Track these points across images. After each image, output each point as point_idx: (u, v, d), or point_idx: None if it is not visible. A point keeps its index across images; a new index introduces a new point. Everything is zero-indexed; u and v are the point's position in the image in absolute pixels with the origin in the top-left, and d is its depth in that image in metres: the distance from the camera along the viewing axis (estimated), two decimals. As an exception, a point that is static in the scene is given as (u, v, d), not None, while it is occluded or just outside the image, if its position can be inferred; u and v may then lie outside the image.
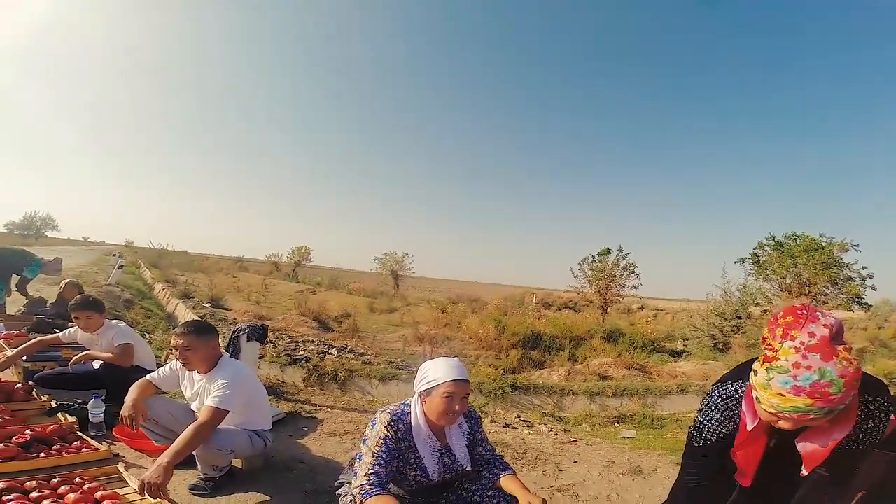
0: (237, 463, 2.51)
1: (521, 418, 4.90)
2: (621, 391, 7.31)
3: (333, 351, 7.41)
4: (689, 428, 1.59)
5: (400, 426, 1.79)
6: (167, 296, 12.71)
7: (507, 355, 10.36)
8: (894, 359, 11.22)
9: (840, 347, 1.15)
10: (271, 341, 7.17)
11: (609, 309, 17.60)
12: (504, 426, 4.22)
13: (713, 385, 1.59)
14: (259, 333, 3.77)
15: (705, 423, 1.51)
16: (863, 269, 14.84)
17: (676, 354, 11.61)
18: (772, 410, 1.21)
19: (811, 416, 1.16)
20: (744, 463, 1.46)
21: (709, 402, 1.52)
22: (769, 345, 1.24)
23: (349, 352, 7.61)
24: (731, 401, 1.46)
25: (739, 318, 11.55)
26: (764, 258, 15.56)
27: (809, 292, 13.87)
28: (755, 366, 1.30)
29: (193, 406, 2.52)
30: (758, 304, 12.15)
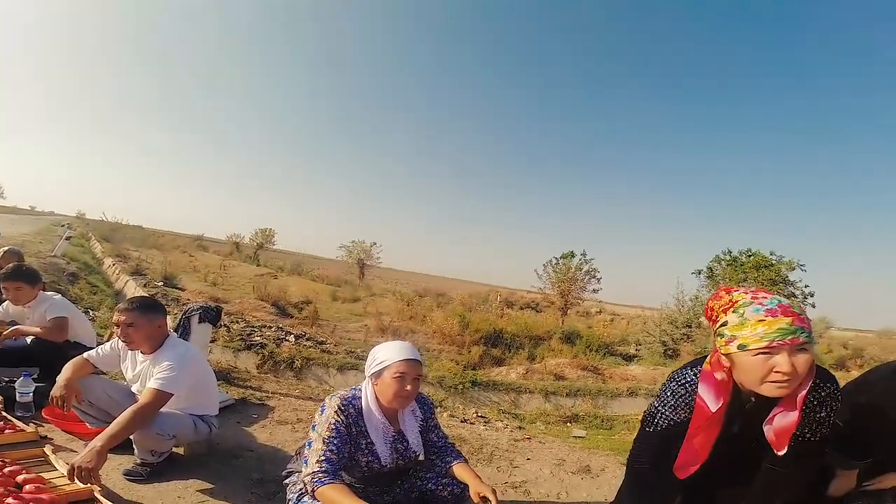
0: (178, 449, 2.37)
1: (479, 414, 4.94)
2: (575, 391, 7.51)
3: (291, 338, 7.23)
4: (644, 412, 1.59)
5: (350, 410, 1.75)
6: (117, 271, 12.06)
7: (470, 351, 10.43)
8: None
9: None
10: (225, 325, 6.92)
11: (569, 311, 18.05)
12: (462, 421, 4.24)
13: (672, 372, 1.59)
14: (212, 315, 3.60)
15: (659, 408, 1.51)
16: (805, 286, 15.91)
17: (629, 358, 12.05)
18: (764, 343, 1.20)
19: (801, 339, 1.19)
20: (698, 449, 1.45)
21: (666, 389, 1.53)
22: (720, 307, 1.34)
23: (307, 339, 7.45)
24: (688, 387, 1.47)
25: (690, 326, 12.08)
26: (718, 272, 16.38)
27: (755, 306, 14.68)
28: (717, 327, 1.35)
29: (134, 388, 2.38)
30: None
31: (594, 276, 17.62)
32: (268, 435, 2.96)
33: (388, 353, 1.75)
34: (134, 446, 2.13)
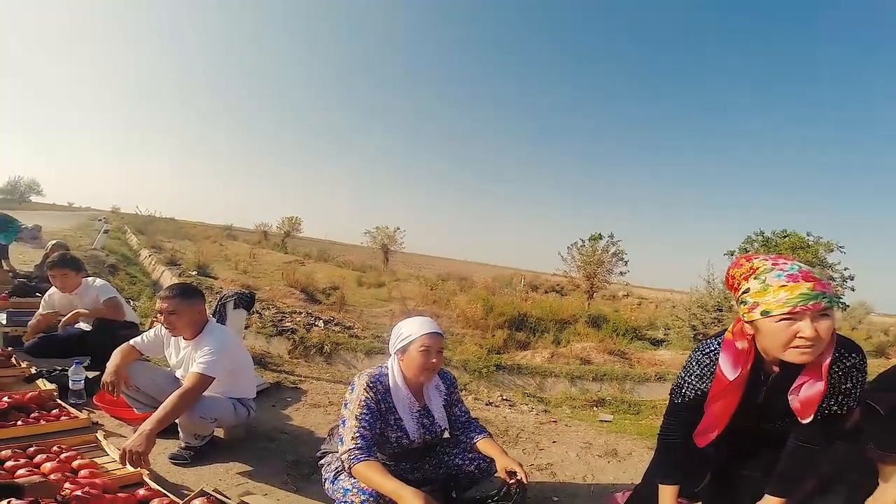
0: (219, 432, 2.49)
1: (504, 397, 4.99)
2: (601, 376, 7.48)
3: (320, 323, 7.42)
4: (672, 385, 1.60)
5: (379, 387, 1.81)
6: (153, 262, 12.56)
7: (493, 335, 10.46)
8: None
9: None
10: (257, 311, 7.13)
11: (595, 294, 17.81)
12: (487, 404, 4.29)
13: (698, 343, 1.60)
14: (247, 301, 3.72)
15: (686, 378, 1.52)
16: (845, 269, 15.21)
17: (657, 343, 11.86)
18: (787, 308, 1.20)
19: (823, 304, 1.18)
20: (718, 416, 1.45)
21: (691, 359, 1.54)
22: (741, 274, 1.32)
23: (336, 324, 7.63)
24: (713, 356, 1.46)
25: (721, 310, 11.76)
26: (751, 252, 15.81)
27: (791, 288, 14.14)
28: (740, 294, 1.34)
29: (178, 373, 2.49)
30: (738, 298, 12.34)
31: (621, 259, 17.27)
32: (301, 418, 3.08)
33: (412, 328, 1.81)
34: (179, 430, 2.25)
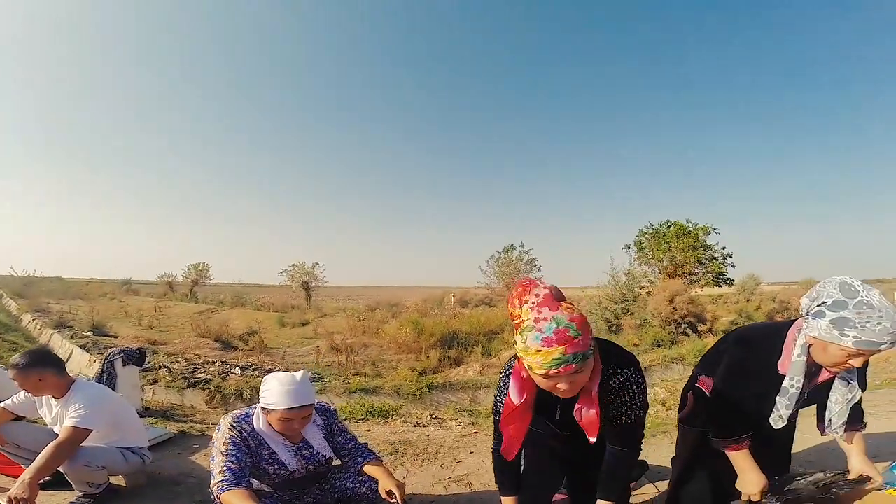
0: (120, 481, 2.50)
1: (434, 416, 5.08)
2: (528, 379, 7.84)
3: (237, 370, 7.08)
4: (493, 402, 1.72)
5: (244, 426, 1.85)
6: (38, 326, 11.12)
7: (427, 356, 10.54)
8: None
9: (561, 302, 1.32)
10: (165, 366, 6.75)
11: (520, 301, 18.61)
12: (415, 425, 4.35)
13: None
14: (136, 357, 3.69)
15: (497, 397, 1.64)
16: (723, 249, 17.45)
17: (578, 339, 12.65)
18: (542, 371, 1.29)
19: (574, 366, 1.27)
20: (513, 436, 1.57)
21: (500, 379, 1.66)
22: (516, 315, 1.34)
23: (255, 369, 7.31)
24: (506, 378, 1.59)
25: (627, 301, 12.86)
26: (645, 244, 17.60)
27: (682, 272, 15.99)
28: (514, 337, 1.39)
29: (56, 429, 2.43)
30: (642, 287, 13.61)
31: (535, 265, 18.38)
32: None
33: (274, 397, 1.80)
34: (70, 482, 2.24)
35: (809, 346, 1.53)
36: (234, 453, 1.76)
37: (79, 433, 2.19)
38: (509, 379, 1.54)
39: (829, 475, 1.74)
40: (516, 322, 1.34)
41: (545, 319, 1.26)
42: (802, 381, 1.56)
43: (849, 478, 1.72)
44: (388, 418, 4.58)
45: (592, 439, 1.44)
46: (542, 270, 18.56)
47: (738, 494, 1.69)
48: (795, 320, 1.63)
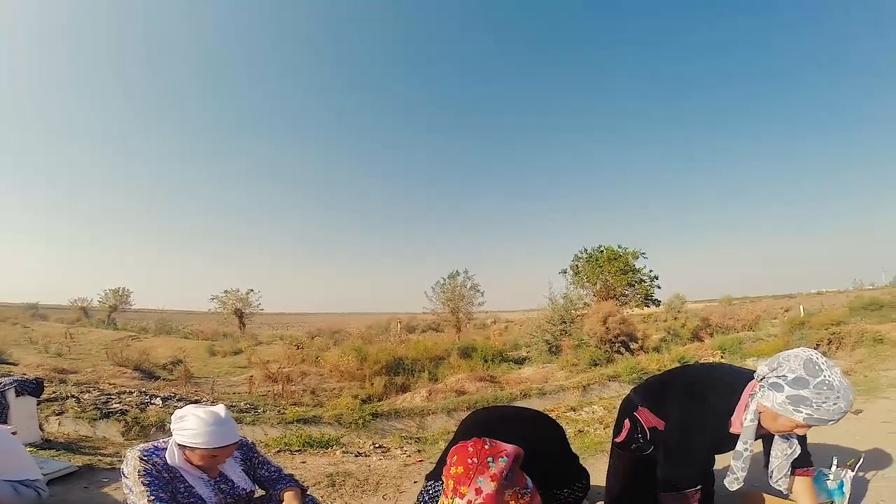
0: None
1: (377, 445, 4.94)
2: (474, 404, 7.86)
3: (157, 401, 6.53)
4: None
5: (155, 459, 1.72)
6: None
7: (372, 383, 10.29)
8: (682, 345, 14.12)
9: (508, 493, 1.26)
10: (74, 396, 6.16)
11: (467, 325, 18.89)
12: (356, 455, 4.20)
13: (426, 480, 1.73)
14: (32, 387, 3.45)
15: None
16: (650, 272, 18.81)
17: (521, 361, 12.95)
18: None
19: None
20: None
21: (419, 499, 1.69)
22: (445, 490, 1.26)
23: (179, 400, 6.78)
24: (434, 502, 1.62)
25: (565, 322, 13.40)
26: (580, 268, 18.58)
27: (614, 294, 16.98)
28: None
29: None
30: (577, 309, 14.31)
31: (478, 290, 18.77)
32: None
33: (200, 437, 1.70)
34: None
35: (760, 413, 1.56)
36: (155, 483, 1.64)
37: None
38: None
39: None
40: (444, 489, 1.26)
41: None
42: (753, 442, 1.60)
43: None
44: (327, 448, 4.39)
45: None
46: (485, 295, 18.94)
47: None
48: (750, 377, 1.65)
